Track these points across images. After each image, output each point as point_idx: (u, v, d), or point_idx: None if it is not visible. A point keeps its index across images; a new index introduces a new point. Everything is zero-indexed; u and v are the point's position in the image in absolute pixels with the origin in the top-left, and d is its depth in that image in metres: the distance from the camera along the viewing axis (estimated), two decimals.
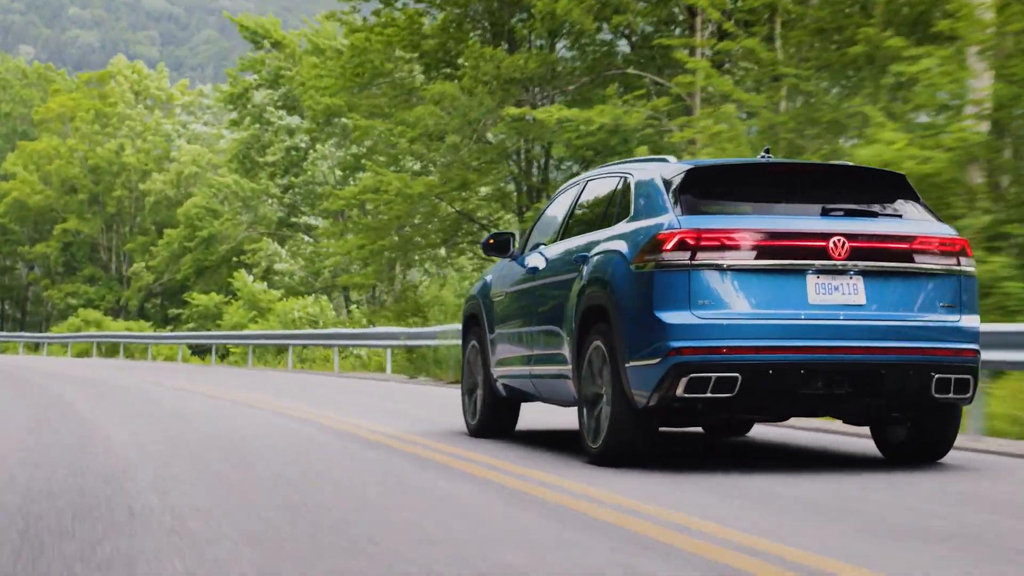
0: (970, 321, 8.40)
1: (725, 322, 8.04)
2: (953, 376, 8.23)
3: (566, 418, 13.20)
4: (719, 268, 8.07)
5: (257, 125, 59.81)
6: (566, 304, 9.28)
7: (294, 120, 58.35)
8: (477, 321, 11.38)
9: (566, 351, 9.28)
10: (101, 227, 79.90)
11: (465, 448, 9.85)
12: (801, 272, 8.15)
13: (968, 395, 8.33)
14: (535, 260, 10.25)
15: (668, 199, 8.49)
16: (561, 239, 10.00)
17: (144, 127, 79.55)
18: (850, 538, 5.69)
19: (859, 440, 10.68)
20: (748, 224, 8.17)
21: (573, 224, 9.99)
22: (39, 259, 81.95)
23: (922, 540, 5.68)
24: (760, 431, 11.53)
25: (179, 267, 68.37)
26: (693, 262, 8.08)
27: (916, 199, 8.75)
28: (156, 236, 74.66)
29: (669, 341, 8.03)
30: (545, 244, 10.36)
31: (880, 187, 8.79)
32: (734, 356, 8.00)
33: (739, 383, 7.98)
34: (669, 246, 8.13)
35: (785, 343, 8.05)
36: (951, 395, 8.25)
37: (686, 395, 8.02)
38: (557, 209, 10.57)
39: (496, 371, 10.82)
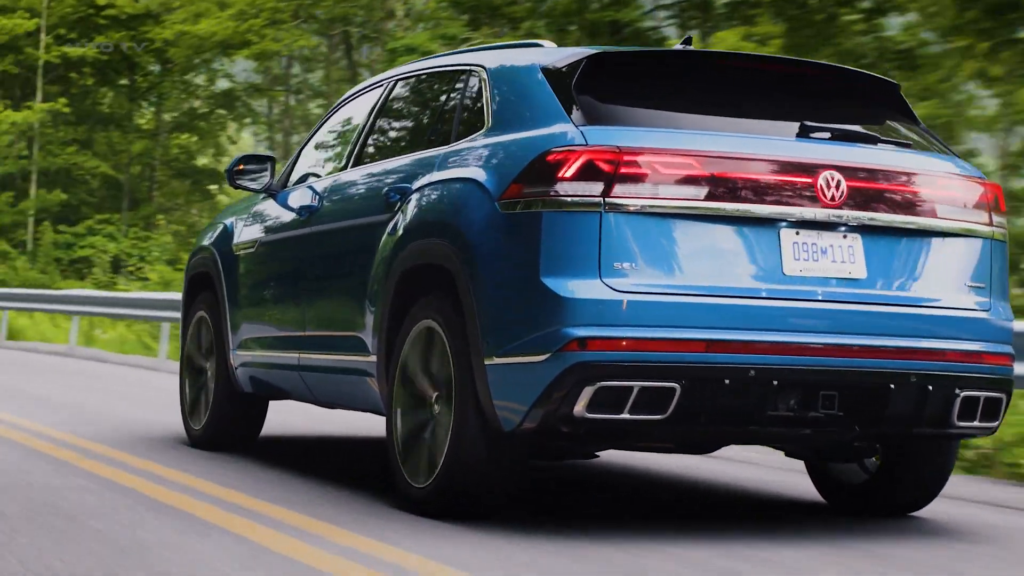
0: (1003, 310, 5.56)
1: (657, 299, 4.96)
2: (983, 394, 5.38)
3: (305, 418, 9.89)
4: (648, 212, 4.98)
5: None
6: (369, 263, 6.01)
7: None
8: (209, 283, 7.92)
9: (368, 335, 6.01)
10: None
11: (192, 471, 6.49)
12: (772, 224, 5.14)
13: (996, 423, 5.51)
14: (305, 197, 6.93)
15: (557, 100, 5.34)
16: (353, 166, 6.70)
17: None
18: None
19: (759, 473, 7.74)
20: (695, 144, 5.11)
21: (374, 144, 6.70)
22: None
23: None
24: (613, 454, 8.42)
25: None
26: (608, 199, 4.96)
27: (915, 120, 5.87)
28: None
29: (566, 327, 4.89)
30: (322, 175, 7.05)
31: (869, 101, 5.86)
32: (671, 355, 4.93)
33: (676, 398, 4.92)
34: (569, 172, 4.98)
35: (750, 337, 5.02)
36: (976, 423, 5.41)
37: (589, 415, 4.90)
38: (343, 124, 7.23)
39: (238, 356, 7.43)
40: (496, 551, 4.78)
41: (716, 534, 5.35)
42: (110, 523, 5.04)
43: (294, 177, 7.31)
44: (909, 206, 5.33)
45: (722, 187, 5.05)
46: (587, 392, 4.87)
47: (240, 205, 7.92)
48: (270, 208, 7.36)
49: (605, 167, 4.96)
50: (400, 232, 5.76)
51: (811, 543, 5.22)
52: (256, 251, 7.36)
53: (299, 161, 7.39)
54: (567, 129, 5.12)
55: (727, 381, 4.96)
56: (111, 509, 5.38)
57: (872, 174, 5.27)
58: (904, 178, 5.35)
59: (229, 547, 4.67)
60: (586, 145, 5.01)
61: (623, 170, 4.97)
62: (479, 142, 5.56)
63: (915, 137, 5.73)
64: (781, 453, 6.55)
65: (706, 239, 5.06)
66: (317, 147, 7.37)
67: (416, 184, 5.80)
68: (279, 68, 44.75)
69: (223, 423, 7.66)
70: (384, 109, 6.73)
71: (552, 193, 4.99)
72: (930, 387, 5.21)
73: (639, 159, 4.99)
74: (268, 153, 7.47)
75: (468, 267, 5.23)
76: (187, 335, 8.14)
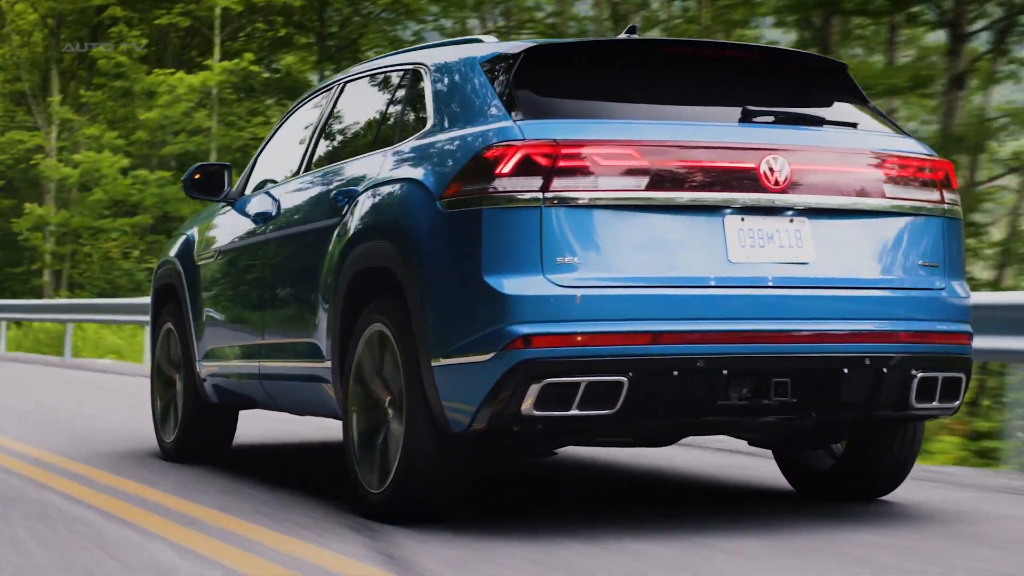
0: (958, 288, 5.48)
1: (601, 292, 4.89)
2: (940, 375, 5.30)
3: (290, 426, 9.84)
4: (589, 204, 4.91)
5: None
6: (320, 268, 5.96)
7: None
8: (174, 295, 7.88)
9: (321, 339, 5.95)
10: None
11: (161, 488, 6.44)
12: (716, 211, 5.07)
13: (956, 403, 5.43)
14: (260, 204, 6.88)
15: (495, 95, 5.28)
16: (306, 171, 6.65)
17: None
18: None
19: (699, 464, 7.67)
20: (633, 134, 5.04)
21: (325, 148, 6.64)
22: None
23: None
24: (572, 450, 8.36)
25: None
26: (548, 193, 4.89)
27: (864, 100, 5.80)
28: None
29: (510, 324, 4.83)
30: (278, 181, 6.99)
31: (815, 82, 5.78)
32: (617, 348, 4.86)
33: (624, 391, 4.85)
34: (507, 167, 4.92)
35: (697, 326, 4.96)
36: (935, 404, 5.33)
37: (537, 412, 4.84)
38: (296, 130, 7.16)
39: (204, 367, 7.39)
40: (475, 553, 4.72)
41: (681, 526, 5.27)
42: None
43: (251, 184, 7.26)
44: (856, 187, 5.25)
45: (663, 176, 4.98)
46: (533, 389, 4.81)
47: (202, 214, 7.88)
48: (228, 217, 7.31)
49: (543, 161, 4.90)
50: (347, 236, 5.69)
51: (774, 531, 5.15)
52: (215, 261, 7.32)
53: (256, 168, 7.34)
54: (505, 124, 5.05)
55: (675, 372, 4.90)
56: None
57: (817, 156, 5.21)
58: (850, 159, 5.28)
59: (194, 565, 4.61)
60: (523, 140, 4.94)
61: (561, 163, 4.90)
62: (420, 141, 5.50)
63: (864, 118, 5.65)
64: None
65: (649, 229, 4.98)
66: (273, 153, 7.32)
67: (362, 187, 5.74)
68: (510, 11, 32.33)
69: (193, 434, 7.61)
70: (334, 112, 6.68)
71: (491, 190, 4.92)
72: (885, 369, 5.14)
73: (578, 151, 4.92)
74: (225, 163, 7.41)
75: (412, 269, 5.17)
76: (156, 347, 8.10)
